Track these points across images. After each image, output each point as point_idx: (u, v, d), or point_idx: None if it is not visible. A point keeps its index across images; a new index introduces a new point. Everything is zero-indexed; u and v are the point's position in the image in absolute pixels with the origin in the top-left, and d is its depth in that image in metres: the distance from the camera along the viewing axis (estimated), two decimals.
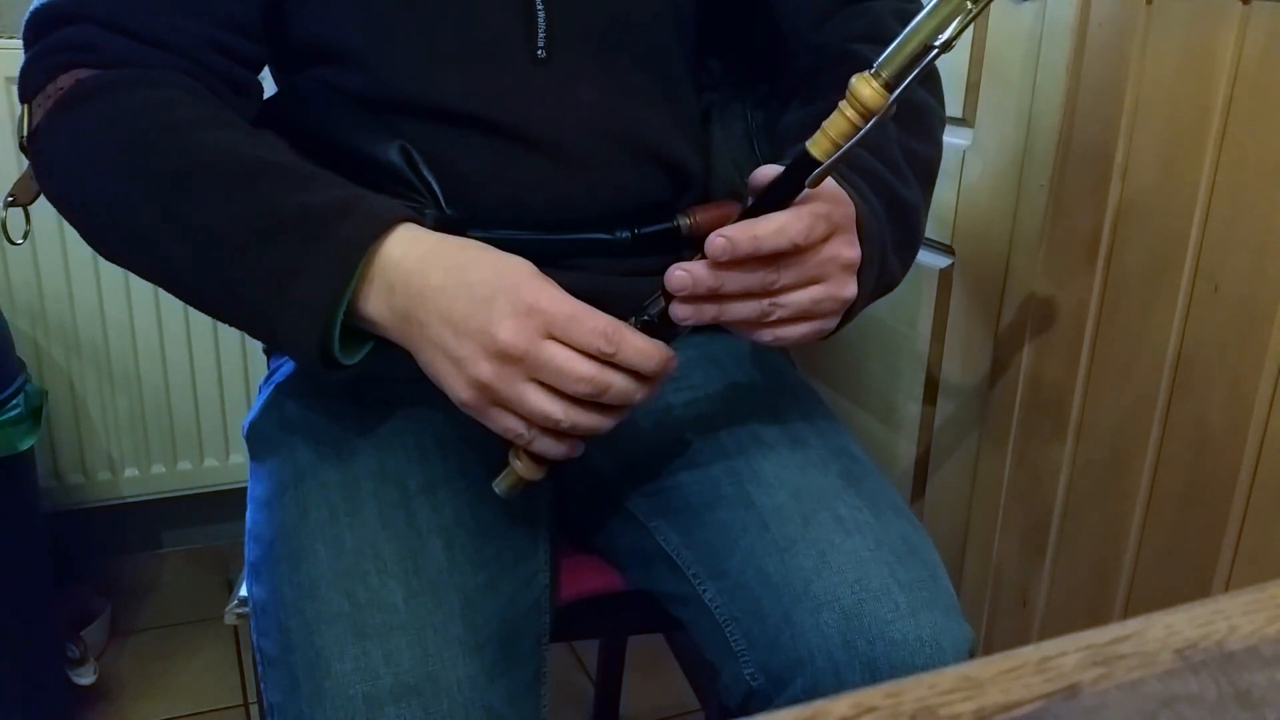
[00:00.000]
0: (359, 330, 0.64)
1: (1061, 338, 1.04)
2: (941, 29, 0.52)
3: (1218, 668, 0.33)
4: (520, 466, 0.65)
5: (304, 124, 0.75)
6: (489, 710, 0.62)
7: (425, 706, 0.60)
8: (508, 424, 0.61)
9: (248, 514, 0.76)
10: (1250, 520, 0.87)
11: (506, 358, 0.58)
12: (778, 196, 0.59)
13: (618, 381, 0.60)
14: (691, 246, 0.79)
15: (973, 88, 1.11)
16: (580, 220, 0.76)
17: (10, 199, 0.75)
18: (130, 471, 1.61)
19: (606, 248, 0.77)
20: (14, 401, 1.21)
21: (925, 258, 1.20)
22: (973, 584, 1.20)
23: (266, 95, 0.78)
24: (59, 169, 0.67)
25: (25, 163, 0.70)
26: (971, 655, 0.66)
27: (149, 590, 1.70)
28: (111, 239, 0.67)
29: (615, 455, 0.79)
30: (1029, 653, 0.33)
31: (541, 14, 0.72)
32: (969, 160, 1.12)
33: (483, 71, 0.72)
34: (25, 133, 0.68)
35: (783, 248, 0.58)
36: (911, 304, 1.23)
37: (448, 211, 0.72)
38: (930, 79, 0.78)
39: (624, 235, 0.77)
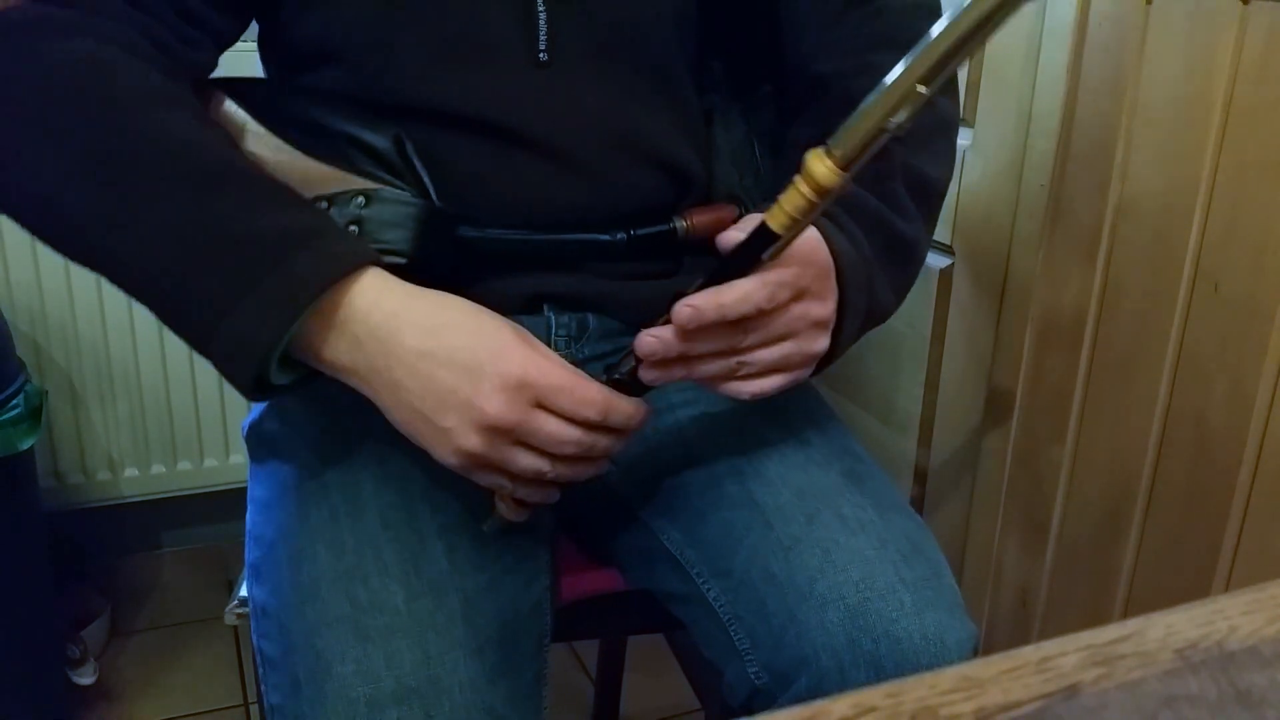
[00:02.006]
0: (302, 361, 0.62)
1: (1061, 338, 1.04)
2: (893, 114, 0.52)
3: (1218, 668, 0.33)
4: (504, 509, 0.67)
5: (297, 112, 0.74)
6: (490, 712, 0.62)
7: (426, 708, 0.60)
8: (495, 481, 0.63)
9: (248, 515, 0.76)
10: (1250, 520, 0.87)
11: (496, 430, 0.60)
12: (739, 264, 0.60)
13: (603, 441, 0.62)
14: (688, 249, 0.79)
15: (973, 88, 1.11)
16: (579, 222, 0.76)
17: None
18: (130, 471, 1.61)
19: (602, 249, 0.77)
20: (14, 401, 1.21)
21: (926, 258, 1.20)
22: (973, 584, 1.20)
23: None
24: None
25: None
26: (975, 654, 0.66)
27: (149, 590, 1.70)
28: (37, 216, 0.61)
29: (618, 455, 0.79)
30: (1029, 653, 0.33)
31: (543, 16, 0.71)
32: (969, 160, 1.12)
33: (484, 74, 0.72)
34: None
35: (748, 313, 0.59)
36: (911, 304, 1.23)
37: (438, 204, 0.72)
38: (947, 82, 0.78)
39: (620, 237, 0.77)
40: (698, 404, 0.79)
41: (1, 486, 1.22)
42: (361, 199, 0.69)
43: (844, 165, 0.54)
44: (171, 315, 0.60)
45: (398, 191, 0.71)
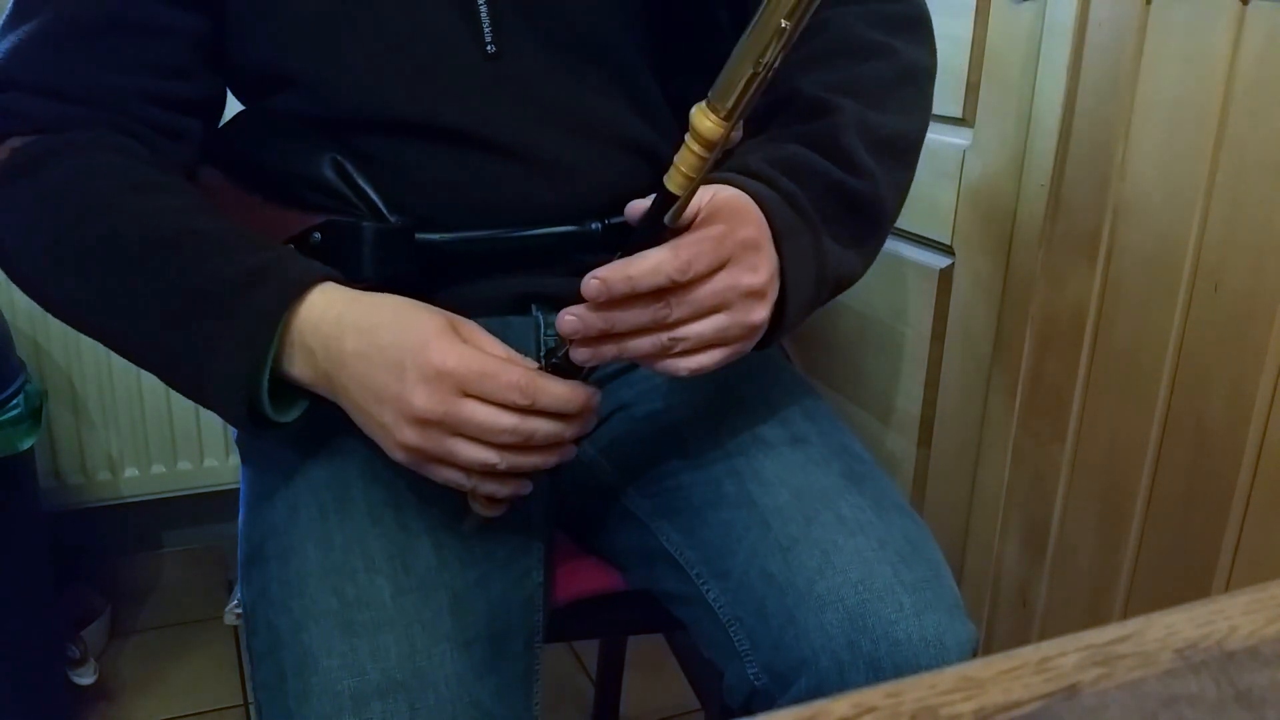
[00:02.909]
0: (294, 386, 0.66)
1: (1061, 338, 1.04)
2: (762, 54, 0.52)
3: (1218, 668, 0.33)
4: (478, 507, 0.67)
5: (238, 150, 0.76)
6: (477, 705, 0.62)
7: (412, 702, 0.60)
8: (448, 476, 0.63)
9: (239, 514, 0.76)
10: (1250, 520, 0.87)
11: (427, 422, 0.60)
12: (648, 232, 0.59)
13: (542, 427, 0.61)
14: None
15: (973, 88, 1.11)
16: (550, 216, 0.75)
17: None
18: (130, 471, 1.61)
19: (578, 241, 0.76)
20: (14, 402, 1.21)
21: (925, 257, 1.20)
22: (973, 584, 1.20)
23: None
24: (3, 241, 0.69)
25: None
26: (974, 655, 0.66)
27: (149, 590, 1.71)
28: (56, 310, 0.69)
29: (615, 455, 0.79)
30: (1029, 653, 0.33)
31: (484, 8, 0.71)
32: (969, 160, 1.12)
33: (435, 75, 0.72)
34: None
35: (661, 284, 0.58)
36: (911, 304, 1.23)
37: (392, 219, 0.73)
38: (914, 26, 0.77)
39: (595, 227, 0.76)
40: (694, 404, 0.79)
41: (1, 486, 1.22)
42: (317, 235, 0.73)
43: (726, 116, 0.54)
44: (171, 376, 0.67)
45: (347, 219, 0.73)
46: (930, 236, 1.19)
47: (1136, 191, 0.94)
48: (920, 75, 0.77)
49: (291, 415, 0.67)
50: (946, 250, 1.18)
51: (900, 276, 1.24)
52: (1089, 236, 0.99)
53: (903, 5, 0.76)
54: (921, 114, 0.76)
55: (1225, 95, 0.85)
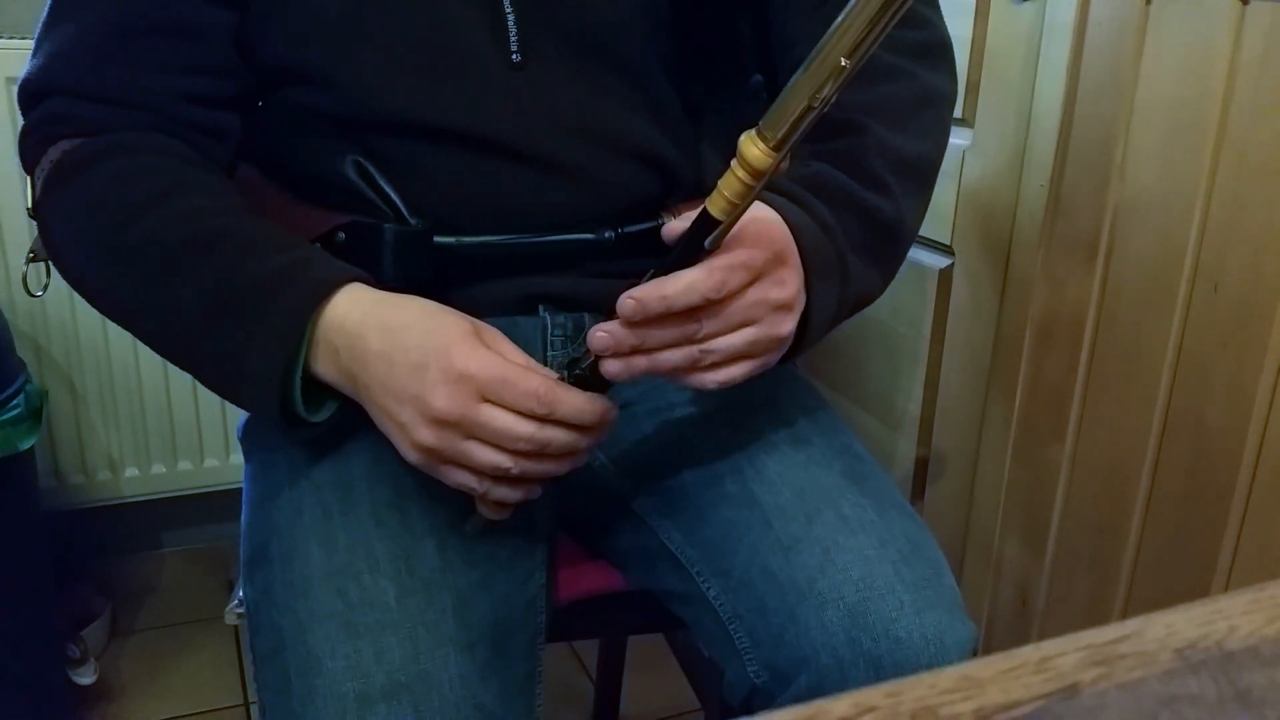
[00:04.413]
0: (327, 385, 0.66)
1: (1061, 338, 1.04)
2: (819, 90, 0.52)
3: (1217, 667, 0.33)
4: (485, 510, 0.67)
5: (267, 147, 0.77)
6: (480, 708, 0.62)
7: (416, 704, 0.60)
8: (460, 479, 0.63)
9: (242, 514, 0.76)
10: (1250, 520, 0.87)
11: (444, 424, 0.60)
12: (685, 253, 0.59)
13: (558, 436, 0.61)
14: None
15: (973, 88, 1.11)
16: (565, 223, 0.76)
17: (31, 255, 0.79)
18: (130, 471, 1.61)
19: (592, 249, 0.77)
20: (14, 401, 1.21)
21: (925, 258, 1.20)
22: (973, 584, 1.20)
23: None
24: (54, 243, 0.71)
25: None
26: (974, 654, 0.66)
27: (149, 590, 1.70)
28: (103, 308, 0.71)
29: (617, 455, 0.79)
30: (1029, 652, 0.33)
31: (511, 16, 0.71)
32: (969, 160, 1.12)
33: (457, 81, 0.72)
34: (30, 204, 0.71)
35: (694, 304, 0.59)
36: (911, 304, 1.23)
37: (412, 222, 0.73)
38: (935, 53, 0.77)
39: (609, 236, 0.77)
40: (697, 403, 0.79)
41: (1, 486, 1.22)
42: (342, 235, 0.74)
43: (776, 146, 0.54)
44: (206, 376, 0.68)
45: (368, 220, 0.73)
46: (930, 237, 1.19)
47: (1136, 191, 0.94)
48: (940, 100, 0.77)
49: (324, 415, 0.67)
50: (946, 250, 1.18)
51: (900, 277, 1.24)
52: (1089, 236, 0.99)
53: (924, 32, 0.77)
54: (940, 138, 0.77)
55: (1225, 95, 0.85)
